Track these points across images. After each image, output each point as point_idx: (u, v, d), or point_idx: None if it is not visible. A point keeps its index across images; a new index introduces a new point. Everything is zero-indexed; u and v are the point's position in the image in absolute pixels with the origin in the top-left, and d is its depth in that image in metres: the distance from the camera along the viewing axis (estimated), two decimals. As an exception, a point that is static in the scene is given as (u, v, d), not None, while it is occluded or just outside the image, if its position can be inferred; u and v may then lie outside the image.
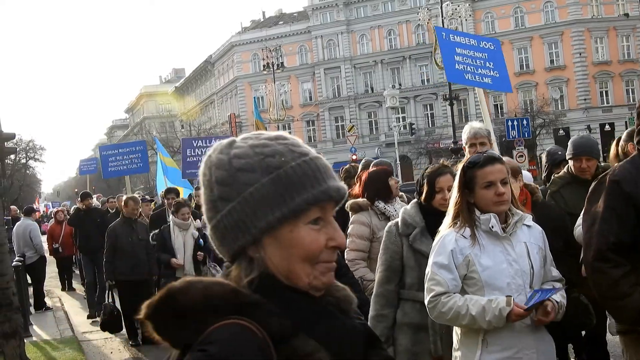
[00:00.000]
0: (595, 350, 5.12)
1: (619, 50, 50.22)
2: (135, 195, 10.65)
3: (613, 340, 4.97)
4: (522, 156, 23.68)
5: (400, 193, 5.31)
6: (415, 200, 3.88)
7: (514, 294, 2.83)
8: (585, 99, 49.17)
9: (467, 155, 3.92)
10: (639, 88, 49.81)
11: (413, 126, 49.80)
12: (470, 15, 45.92)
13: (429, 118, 54.31)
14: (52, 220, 15.17)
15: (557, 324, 3.05)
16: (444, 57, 6.37)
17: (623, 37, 50.26)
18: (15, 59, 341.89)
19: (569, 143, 5.03)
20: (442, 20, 32.56)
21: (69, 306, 12.96)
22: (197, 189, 11.43)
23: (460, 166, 3.05)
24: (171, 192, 9.69)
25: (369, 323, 2.44)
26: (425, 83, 54.23)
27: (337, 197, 1.21)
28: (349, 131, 42.88)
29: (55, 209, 18.31)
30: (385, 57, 55.19)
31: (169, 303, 1.11)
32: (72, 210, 13.94)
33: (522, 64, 51.06)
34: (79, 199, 12.17)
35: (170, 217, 7.98)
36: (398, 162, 40.21)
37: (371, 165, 6.32)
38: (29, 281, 12.55)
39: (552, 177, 5.28)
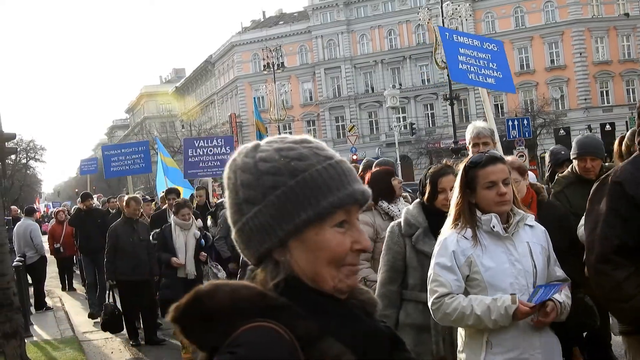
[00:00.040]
0: (596, 351, 5.10)
1: (619, 50, 50.24)
2: (137, 195, 10.64)
3: (614, 340, 4.97)
4: (522, 156, 23.58)
5: (405, 193, 5.30)
6: (418, 200, 3.86)
7: (517, 294, 2.81)
8: (585, 99, 49.19)
9: (470, 155, 3.91)
10: (639, 88, 49.83)
11: (413, 126, 49.81)
12: (470, 15, 45.91)
13: (430, 118, 54.32)
14: (53, 220, 15.18)
15: (561, 325, 3.03)
16: (448, 57, 6.37)
17: (623, 36, 50.28)
18: (16, 59, 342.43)
19: (574, 142, 5.02)
20: (443, 20, 32.55)
21: (69, 306, 12.96)
22: (199, 189, 11.42)
23: (461, 166, 3.03)
24: (172, 192, 9.69)
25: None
26: (426, 83, 54.25)
27: (362, 200, 1.22)
28: (349, 131, 42.94)
29: (55, 209, 18.29)
30: (385, 57, 55.18)
31: (197, 306, 1.13)
32: (72, 211, 13.94)
33: (522, 63, 51.05)
34: (80, 199, 12.16)
35: (172, 218, 7.97)
36: (398, 162, 40.20)
37: (374, 164, 6.32)
38: (30, 281, 12.55)
39: (556, 177, 5.27)
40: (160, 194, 12.17)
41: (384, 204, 4.68)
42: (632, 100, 46.45)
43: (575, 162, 4.98)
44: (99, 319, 9.43)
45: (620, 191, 2.73)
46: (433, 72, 50.44)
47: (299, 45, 58.13)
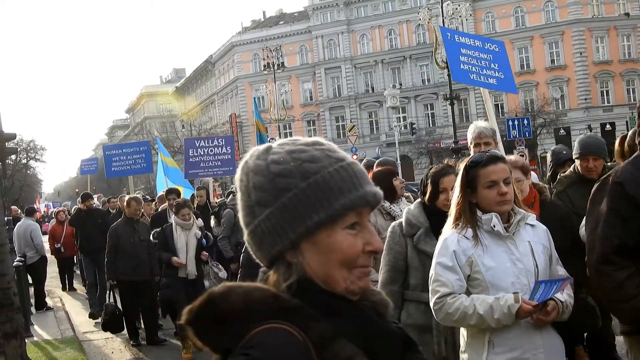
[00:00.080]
0: (597, 352, 5.08)
1: (619, 50, 50.25)
2: (137, 195, 10.64)
3: (617, 340, 4.96)
4: (522, 156, 23.60)
5: (407, 193, 5.29)
6: (419, 200, 3.86)
7: (519, 293, 2.80)
8: (586, 99, 49.19)
9: (472, 154, 3.90)
10: (639, 87, 49.82)
11: (414, 126, 49.78)
12: (470, 15, 45.90)
13: (430, 118, 54.33)
14: (54, 221, 15.17)
15: (564, 324, 3.02)
16: (449, 57, 6.37)
17: (624, 36, 50.28)
18: (16, 59, 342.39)
19: (576, 142, 5.02)
20: (443, 20, 32.49)
21: (69, 306, 12.96)
22: (199, 189, 11.41)
23: (462, 165, 3.02)
24: (172, 192, 9.68)
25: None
26: (426, 83, 54.25)
27: (374, 202, 1.24)
28: (349, 131, 42.92)
29: (56, 209, 18.28)
30: (385, 56, 55.18)
31: (210, 308, 1.13)
32: (73, 211, 13.93)
33: (522, 63, 51.04)
34: (80, 199, 12.16)
35: (173, 218, 7.97)
36: (399, 161, 40.08)
37: (375, 164, 6.30)
38: (30, 281, 12.54)
39: (558, 177, 5.27)
40: (160, 194, 12.15)
41: (386, 204, 4.68)
42: (632, 100, 46.46)
43: (577, 162, 4.97)
44: (99, 319, 9.42)
45: (620, 191, 2.73)
46: (433, 72, 50.42)
47: (299, 45, 58.13)
